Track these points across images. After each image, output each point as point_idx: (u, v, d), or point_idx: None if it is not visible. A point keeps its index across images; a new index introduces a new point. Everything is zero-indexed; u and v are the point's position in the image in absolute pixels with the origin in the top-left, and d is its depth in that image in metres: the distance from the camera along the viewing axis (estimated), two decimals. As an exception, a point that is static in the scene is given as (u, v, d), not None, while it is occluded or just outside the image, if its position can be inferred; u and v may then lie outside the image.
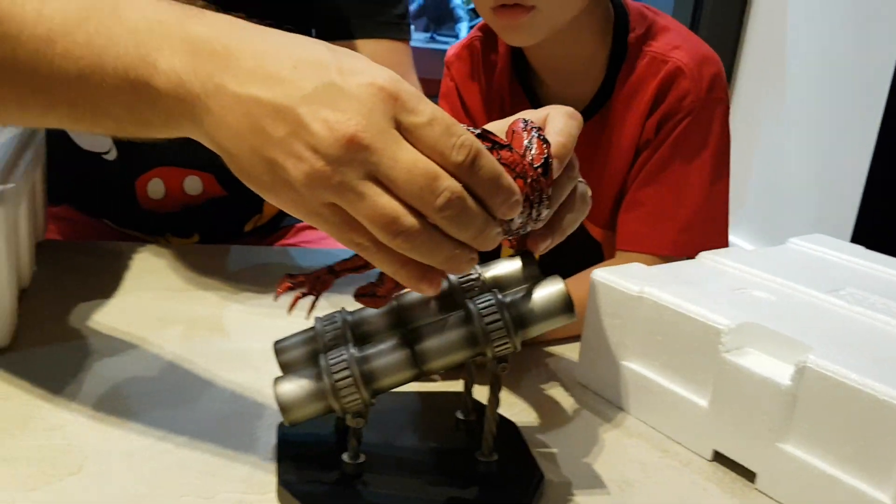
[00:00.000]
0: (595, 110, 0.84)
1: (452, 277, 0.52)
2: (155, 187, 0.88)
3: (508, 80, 0.88)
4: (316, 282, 0.47)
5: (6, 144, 0.71)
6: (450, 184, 0.40)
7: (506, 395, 0.64)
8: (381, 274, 0.46)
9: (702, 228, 0.81)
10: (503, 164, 0.44)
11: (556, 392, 0.66)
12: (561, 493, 0.53)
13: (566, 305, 0.48)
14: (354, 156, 0.39)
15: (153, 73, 0.42)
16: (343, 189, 0.40)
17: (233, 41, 0.42)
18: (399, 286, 0.46)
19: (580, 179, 0.52)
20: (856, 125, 1.82)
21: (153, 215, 0.95)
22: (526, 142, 0.47)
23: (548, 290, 0.49)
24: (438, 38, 2.48)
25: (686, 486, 0.55)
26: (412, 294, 0.52)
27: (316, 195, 0.40)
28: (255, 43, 0.42)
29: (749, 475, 0.56)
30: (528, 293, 0.49)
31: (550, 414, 0.63)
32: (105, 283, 0.78)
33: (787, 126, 1.97)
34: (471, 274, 0.52)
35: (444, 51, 1.00)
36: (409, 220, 0.40)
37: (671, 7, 2.04)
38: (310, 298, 0.50)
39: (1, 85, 0.46)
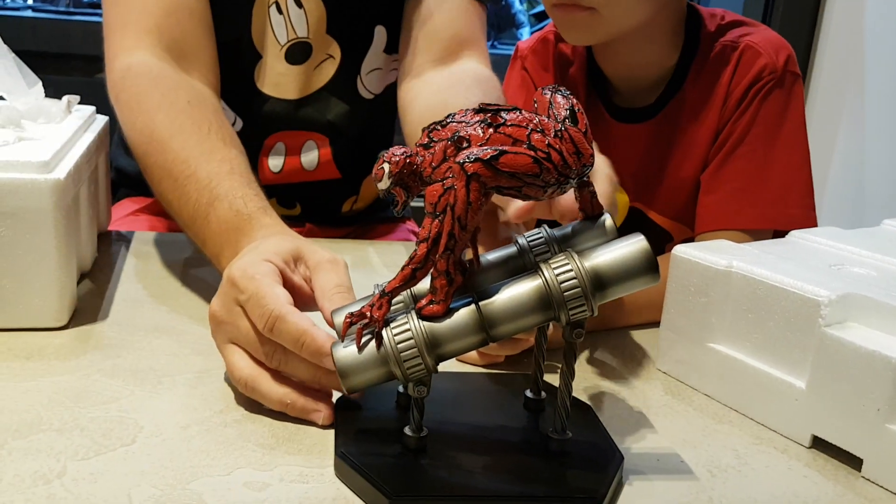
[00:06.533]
0: (664, 104, 0.82)
1: (521, 240, 0.49)
2: (275, 161, 0.92)
3: (584, 79, 0.86)
4: (374, 310, 0.45)
5: (70, 128, 0.71)
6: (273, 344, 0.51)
7: (579, 382, 0.60)
8: (432, 281, 0.44)
9: (792, 201, 0.78)
10: (512, 126, 0.44)
11: (634, 380, 0.62)
12: (643, 476, 0.48)
13: (649, 265, 0.44)
14: (216, 326, 0.54)
15: (218, 261, 0.62)
16: (220, 349, 0.54)
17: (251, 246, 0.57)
18: (454, 285, 0.44)
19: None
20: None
21: (265, 189, 0.95)
22: (549, 101, 0.47)
23: (628, 248, 0.45)
24: (500, 45, 2.46)
25: (783, 472, 0.50)
26: (483, 256, 0.49)
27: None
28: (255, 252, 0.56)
29: (854, 461, 0.50)
30: (607, 252, 0.45)
31: (628, 401, 0.58)
32: (169, 271, 0.77)
33: (867, 123, 1.88)
34: (539, 235, 0.49)
35: (507, 56, 0.97)
36: (254, 371, 0.52)
37: (741, 7, 1.97)
38: None
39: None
